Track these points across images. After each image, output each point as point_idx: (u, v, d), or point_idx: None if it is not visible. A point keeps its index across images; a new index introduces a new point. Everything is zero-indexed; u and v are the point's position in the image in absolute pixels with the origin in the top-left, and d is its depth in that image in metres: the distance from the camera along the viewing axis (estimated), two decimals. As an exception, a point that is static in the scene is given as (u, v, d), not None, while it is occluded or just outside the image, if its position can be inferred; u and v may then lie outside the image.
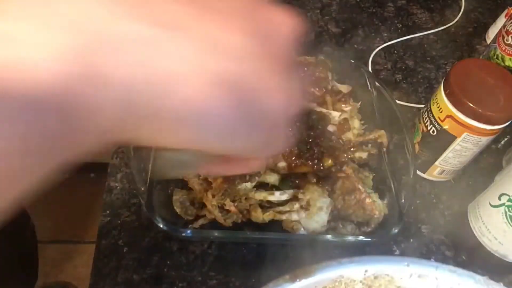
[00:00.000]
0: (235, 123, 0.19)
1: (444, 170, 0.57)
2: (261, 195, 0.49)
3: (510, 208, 0.44)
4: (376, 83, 0.57)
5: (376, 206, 0.49)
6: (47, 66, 0.14)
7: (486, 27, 0.79)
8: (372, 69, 0.72)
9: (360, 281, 0.39)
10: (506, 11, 0.74)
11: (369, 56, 0.73)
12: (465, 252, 0.53)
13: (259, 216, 0.48)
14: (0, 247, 0.61)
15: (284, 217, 0.49)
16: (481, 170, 0.62)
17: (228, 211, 0.49)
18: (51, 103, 0.15)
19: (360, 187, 0.49)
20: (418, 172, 0.59)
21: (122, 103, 0.16)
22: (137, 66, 0.16)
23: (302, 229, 0.49)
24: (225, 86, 0.18)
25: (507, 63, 0.61)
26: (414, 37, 0.77)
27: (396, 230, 0.47)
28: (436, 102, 0.52)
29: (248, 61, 0.19)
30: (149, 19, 0.16)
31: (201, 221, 0.50)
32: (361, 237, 0.48)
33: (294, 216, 0.48)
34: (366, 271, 0.39)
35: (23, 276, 0.73)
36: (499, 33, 0.62)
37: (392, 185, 0.50)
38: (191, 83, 0.17)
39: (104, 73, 0.15)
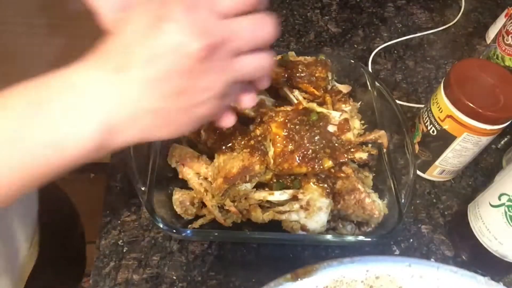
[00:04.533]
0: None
1: (444, 170, 0.57)
2: (261, 195, 0.49)
3: (510, 208, 0.44)
4: (376, 83, 0.57)
5: (376, 206, 0.49)
6: (91, 133, 0.31)
7: (486, 27, 0.79)
8: (372, 69, 0.72)
9: (362, 281, 0.39)
10: (506, 11, 0.74)
11: (369, 56, 0.73)
12: (465, 252, 0.53)
13: (259, 216, 0.48)
14: (50, 246, 0.62)
15: (284, 217, 0.49)
16: (481, 170, 0.62)
17: (228, 211, 0.49)
18: (92, 146, 0.31)
19: (360, 187, 0.49)
20: (418, 172, 0.59)
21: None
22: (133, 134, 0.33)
23: (301, 229, 0.49)
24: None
25: (507, 63, 0.61)
26: (414, 37, 0.77)
27: (396, 230, 0.47)
28: (436, 102, 0.52)
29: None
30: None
31: (201, 221, 0.50)
32: (361, 237, 0.48)
33: (294, 216, 0.48)
34: (367, 271, 0.39)
35: (71, 275, 0.75)
36: (499, 33, 0.62)
37: (392, 185, 0.50)
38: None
39: (116, 134, 0.32)
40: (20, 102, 0.30)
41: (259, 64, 0.33)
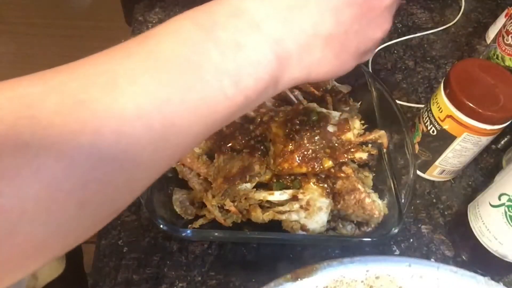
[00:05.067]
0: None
1: (444, 170, 0.57)
2: (261, 195, 0.49)
3: (510, 208, 0.44)
4: (376, 83, 0.57)
5: (376, 206, 0.49)
6: (268, 64, 0.27)
7: (486, 27, 0.79)
8: (372, 69, 0.72)
9: (362, 281, 0.39)
10: (506, 11, 0.74)
11: (369, 56, 0.73)
12: (465, 252, 0.53)
13: (259, 216, 0.48)
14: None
15: (284, 217, 0.49)
16: (481, 170, 0.62)
17: (228, 211, 0.49)
18: (268, 79, 0.28)
19: (360, 187, 0.49)
20: (418, 172, 0.59)
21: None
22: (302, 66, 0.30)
23: (301, 229, 0.49)
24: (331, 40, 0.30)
25: (507, 63, 0.61)
26: (414, 37, 0.77)
27: (396, 230, 0.47)
28: (436, 102, 0.52)
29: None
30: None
31: (201, 221, 0.50)
32: (361, 237, 0.48)
33: (294, 216, 0.48)
34: (367, 271, 0.39)
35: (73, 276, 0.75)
36: (499, 33, 0.62)
37: (392, 185, 0.50)
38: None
39: (288, 68, 0.29)
40: (188, 27, 0.26)
41: None
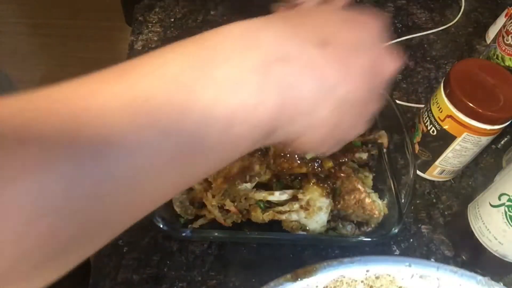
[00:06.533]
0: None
1: (444, 170, 0.57)
2: (261, 195, 0.49)
3: (510, 208, 0.44)
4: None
5: (376, 206, 0.49)
6: (264, 111, 0.23)
7: (486, 27, 0.79)
8: (372, 69, 0.72)
9: (362, 281, 0.39)
10: (506, 11, 0.74)
11: (369, 56, 0.73)
12: (465, 252, 0.53)
13: (259, 216, 0.48)
14: None
15: (284, 217, 0.49)
16: (481, 170, 0.62)
17: (228, 211, 0.49)
18: (265, 127, 0.24)
19: (360, 187, 0.49)
20: (418, 172, 0.59)
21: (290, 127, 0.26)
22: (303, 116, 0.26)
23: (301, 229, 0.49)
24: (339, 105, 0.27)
25: (507, 63, 0.61)
26: (414, 37, 0.77)
27: (396, 230, 0.47)
28: (436, 102, 0.52)
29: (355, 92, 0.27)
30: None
31: (201, 221, 0.50)
32: (361, 237, 0.48)
33: (294, 216, 0.48)
34: (367, 271, 0.39)
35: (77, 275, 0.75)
36: (499, 33, 0.62)
37: (392, 185, 0.50)
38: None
39: (286, 119, 0.25)
40: (183, 66, 0.22)
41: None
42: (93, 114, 0.19)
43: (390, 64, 0.30)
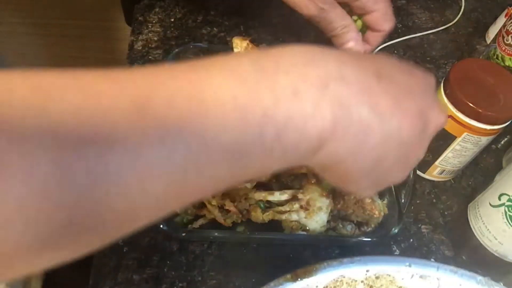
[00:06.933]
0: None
1: (444, 170, 0.57)
2: (261, 195, 0.49)
3: (510, 208, 0.44)
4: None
5: (376, 206, 0.49)
6: (317, 124, 0.24)
7: (486, 27, 0.79)
8: (372, 69, 0.72)
9: (362, 281, 0.39)
10: (506, 11, 0.74)
11: (369, 56, 0.73)
12: (465, 252, 0.53)
13: (259, 216, 0.48)
14: None
15: (284, 217, 0.49)
16: (481, 170, 0.62)
17: (228, 211, 0.49)
18: (314, 141, 0.24)
19: (360, 187, 0.49)
20: (418, 172, 0.59)
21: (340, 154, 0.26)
22: (353, 142, 0.26)
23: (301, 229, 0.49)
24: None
25: (507, 63, 0.61)
26: (414, 37, 0.77)
27: (396, 230, 0.47)
28: (436, 102, 0.52)
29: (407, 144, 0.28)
30: (368, 106, 0.25)
31: (201, 221, 0.50)
32: (361, 237, 0.48)
33: (294, 216, 0.48)
34: (367, 271, 0.39)
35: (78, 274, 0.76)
36: (499, 33, 0.62)
37: (392, 185, 0.50)
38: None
39: (335, 138, 0.25)
40: (245, 67, 0.23)
41: None
42: (156, 104, 0.20)
43: (439, 116, 0.30)
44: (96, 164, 0.18)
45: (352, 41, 0.48)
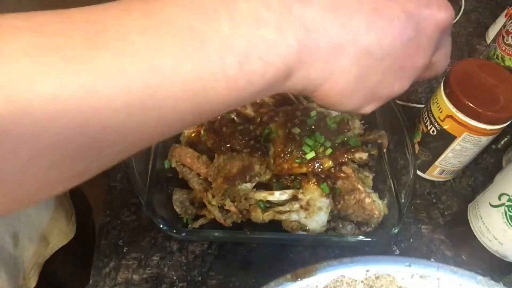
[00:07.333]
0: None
1: (444, 170, 0.57)
2: (261, 195, 0.49)
3: (510, 208, 0.44)
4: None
5: (376, 206, 0.49)
6: (281, 50, 0.23)
7: (486, 27, 0.79)
8: (372, 69, 0.72)
9: (362, 281, 0.39)
10: (506, 11, 0.74)
11: (369, 56, 0.73)
12: (465, 252, 0.53)
13: (259, 216, 0.48)
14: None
15: (284, 217, 0.49)
16: (481, 170, 0.62)
17: (228, 211, 0.49)
18: (281, 69, 0.24)
19: (360, 187, 0.49)
20: (418, 172, 0.59)
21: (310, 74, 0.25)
22: (323, 63, 0.25)
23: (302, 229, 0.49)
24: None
25: (507, 63, 0.61)
26: (414, 37, 0.77)
27: (396, 230, 0.47)
28: (436, 102, 0.52)
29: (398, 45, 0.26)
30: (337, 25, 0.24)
31: (201, 221, 0.50)
32: (361, 237, 0.48)
33: (294, 216, 0.48)
34: (367, 271, 0.39)
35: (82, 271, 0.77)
36: (499, 33, 0.62)
37: (392, 185, 0.50)
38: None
39: (303, 63, 0.24)
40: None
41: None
42: (109, 38, 0.20)
43: (436, 12, 0.27)
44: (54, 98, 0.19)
45: None
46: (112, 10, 0.21)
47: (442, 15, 0.27)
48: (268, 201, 0.49)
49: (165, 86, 0.21)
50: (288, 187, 0.50)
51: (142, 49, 0.20)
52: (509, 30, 0.59)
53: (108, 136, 0.21)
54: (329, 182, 0.49)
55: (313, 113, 0.50)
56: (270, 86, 0.24)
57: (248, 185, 0.49)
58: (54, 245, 0.61)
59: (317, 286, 0.38)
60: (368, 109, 0.31)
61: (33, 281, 0.57)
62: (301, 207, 0.48)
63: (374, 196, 0.50)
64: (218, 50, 0.22)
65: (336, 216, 0.51)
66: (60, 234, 0.62)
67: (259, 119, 0.51)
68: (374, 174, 0.54)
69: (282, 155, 0.48)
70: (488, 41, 0.77)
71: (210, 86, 0.22)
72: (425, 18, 0.26)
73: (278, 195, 0.49)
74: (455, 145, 0.52)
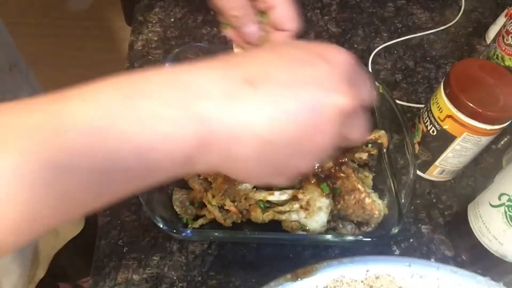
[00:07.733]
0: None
1: (444, 170, 0.57)
2: (261, 195, 0.49)
3: (510, 208, 0.44)
4: (376, 83, 0.57)
5: (376, 206, 0.49)
6: (179, 143, 0.25)
7: (486, 27, 0.79)
8: (372, 69, 0.72)
9: (361, 281, 0.39)
10: (506, 11, 0.74)
11: (369, 56, 0.73)
12: (465, 252, 0.53)
13: (259, 216, 0.48)
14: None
15: (284, 217, 0.49)
16: (481, 170, 0.62)
17: (228, 211, 0.49)
18: (180, 158, 0.26)
19: (360, 187, 0.49)
20: (418, 172, 0.59)
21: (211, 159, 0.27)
22: (222, 156, 0.27)
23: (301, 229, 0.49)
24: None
25: (507, 63, 0.61)
26: (414, 37, 0.77)
27: (396, 230, 0.47)
28: (436, 102, 0.52)
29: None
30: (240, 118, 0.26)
31: (201, 221, 0.50)
32: (361, 237, 0.48)
33: (294, 216, 0.48)
34: (367, 271, 0.39)
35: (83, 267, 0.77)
36: (499, 33, 0.62)
37: (392, 185, 0.50)
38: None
39: (206, 151, 0.26)
40: (112, 95, 0.25)
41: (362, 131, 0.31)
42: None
43: (335, 99, 0.28)
44: None
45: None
46: (13, 112, 0.24)
47: (341, 101, 0.28)
48: (268, 201, 0.49)
49: (63, 178, 0.23)
50: (288, 187, 0.50)
51: (48, 144, 0.23)
52: (509, 30, 0.59)
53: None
54: (329, 182, 0.49)
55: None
56: (175, 170, 0.27)
57: (248, 185, 0.49)
58: (64, 235, 0.62)
59: (317, 286, 0.38)
60: (280, 182, 0.32)
61: (42, 271, 0.58)
62: (301, 207, 0.48)
63: (374, 196, 0.50)
64: (116, 145, 0.24)
65: (336, 216, 0.51)
66: (69, 225, 0.63)
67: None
68: (374, 174, 0.54)
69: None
70: (488, 41, 0.77)
71: (109, 175, 0.25)
72: (322, 105, 0.27)
73: (278, 195, 0.49)
74: (455, 145, 0.52)
